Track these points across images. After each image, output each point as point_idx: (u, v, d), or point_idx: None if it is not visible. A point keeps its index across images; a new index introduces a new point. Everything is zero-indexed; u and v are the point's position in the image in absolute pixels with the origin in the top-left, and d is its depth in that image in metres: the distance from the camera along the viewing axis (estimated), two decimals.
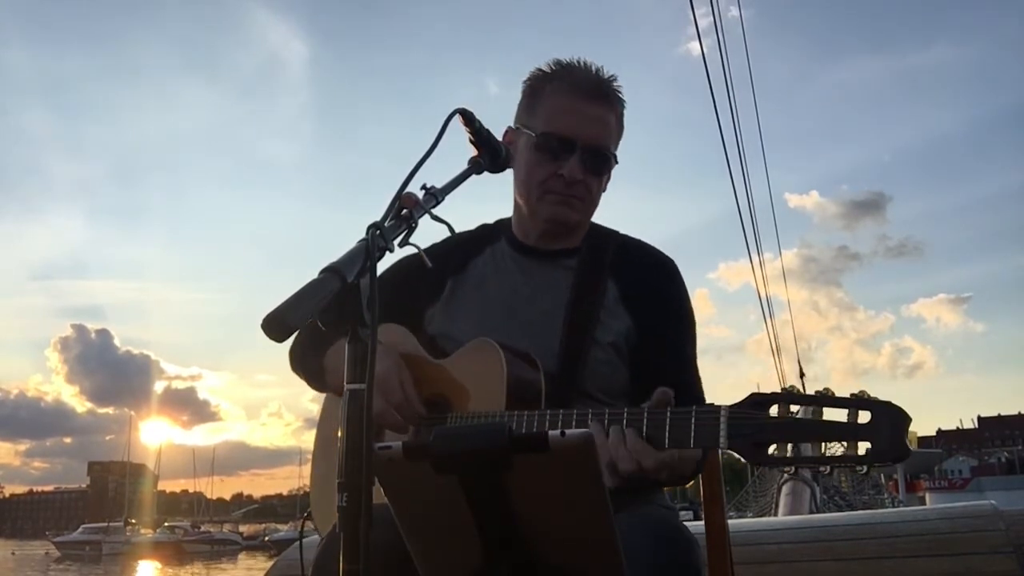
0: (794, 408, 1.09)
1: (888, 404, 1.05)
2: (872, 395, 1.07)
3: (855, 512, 4.72)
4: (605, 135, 1.58)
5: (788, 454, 1.09)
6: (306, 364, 1.67)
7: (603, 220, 1.74)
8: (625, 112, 1.65)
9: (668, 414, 1.22)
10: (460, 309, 1.64)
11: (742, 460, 1.14)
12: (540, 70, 1.63)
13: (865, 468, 1.04)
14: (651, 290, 1.60)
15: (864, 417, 1.04)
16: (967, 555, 2.15)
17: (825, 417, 1.07)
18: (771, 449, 1.09)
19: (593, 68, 1.61)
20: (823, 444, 1.07)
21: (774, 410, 1.10)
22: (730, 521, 1.90)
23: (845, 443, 1.05)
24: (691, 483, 1.59)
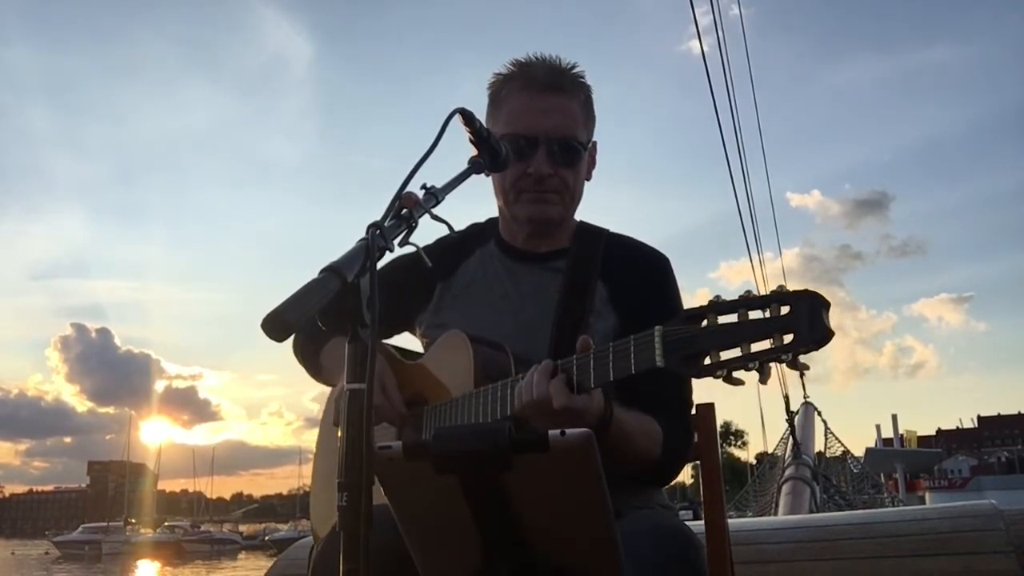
0: (723, 317, 1.09)
1: (805, 292, 1.04)
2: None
3: (855, 512, 4.71)
4: (568, 125, 1.57)
5: (720, 360, 1.08)
6: (306, 356, 1.70)
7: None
8: (593, 95, 1.64)
9: (591, 354, 1.24)
10: (449, 315, 1.64)
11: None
12: (498, 74, 1.63)
13: (790, 356, 1.03)
14: (639, 289, 1.58)
15: (785, 310, 1.04)
16: (967, 555, 2.15)
17: (752, 317, 1.06)
18: (706, 360, 1.09)
19: (548, 60, 1.61)
20: (752, 343, 1.06)
21: (705, 322, 1.10)
22: (730, 521, 1.89)
23: (771, 339, 1.04)
24: (691, 482, 1.59)
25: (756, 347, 1.06)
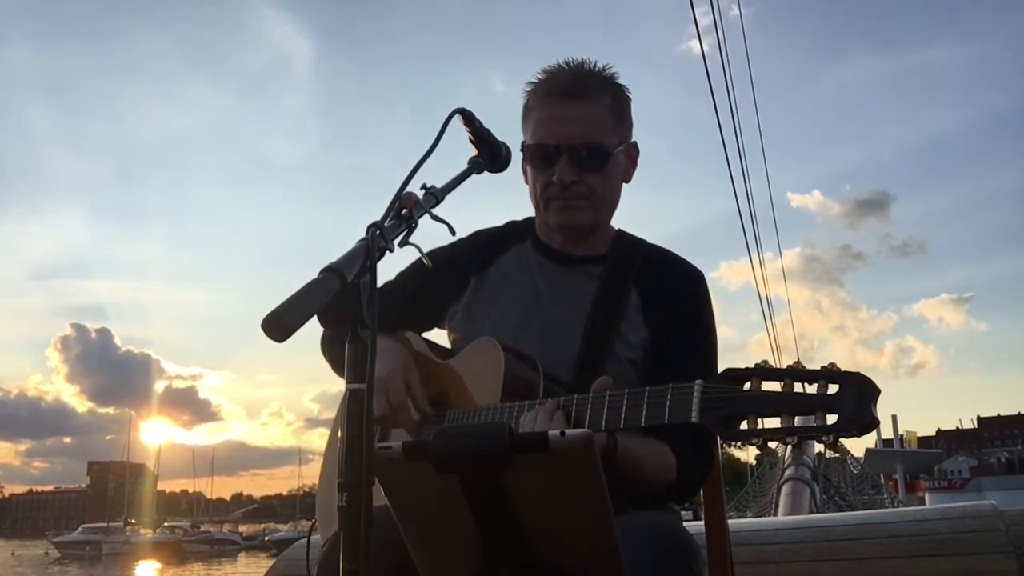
0: (767, 383, 1.07)
1: (856, 375, 1.03)
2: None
3: (855, 512, 4.71)
4: (590, 130, 1.55)
5: (759, 427, 1.07)
6: (332, 353, 1.72)
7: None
8: (628, 93, 1.63)
9: (602, 396, 1.24)
10: (480, 310, 1.65)
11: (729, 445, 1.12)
12: (529, 83, 1.63)
13: (831, 438, 1.02)
14: (671, 303, 1.58)
15: (833, 388, 1.03)
16: (967, 555, 2.15)
17: (796, 389, 1.05)
18: (743, 424, 1.08)
19: (575, 65, 1.60)
20: (793, 417, 1.05)
21: (748, 385, 1.08)
22: (730, 521, 1.90)
23: (814, 416, 1.03)
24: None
25: (796, 421, 1.04)
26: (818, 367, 1.07)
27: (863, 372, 1.03)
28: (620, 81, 1.62)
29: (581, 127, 1.55)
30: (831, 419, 1.02)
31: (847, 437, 1.02)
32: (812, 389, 1.04)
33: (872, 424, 1.01)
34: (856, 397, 1.01)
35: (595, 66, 1.61)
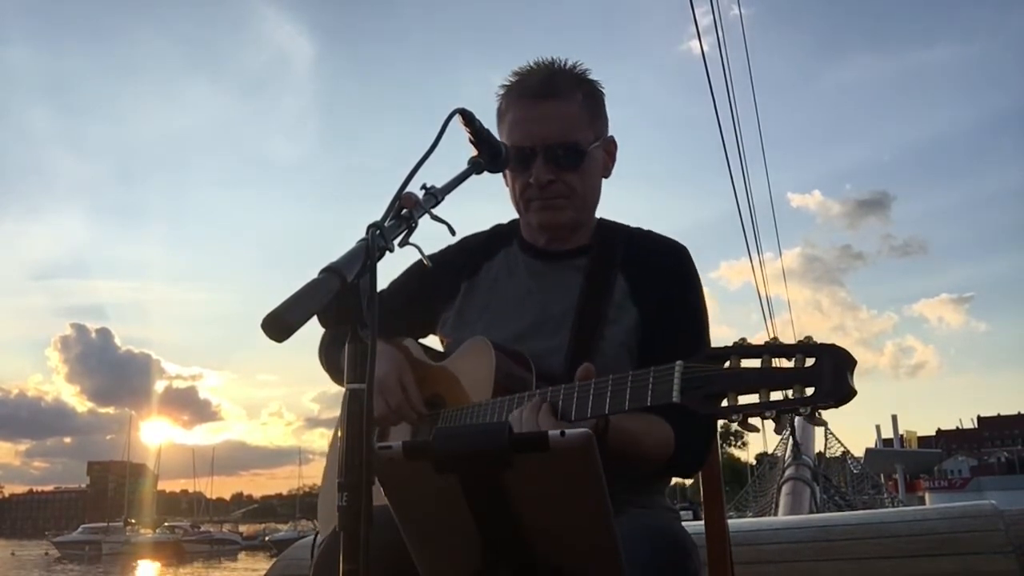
0: (746, 360, 1.09)
1: (832, 347, 1.04)
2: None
3: (855, 512, 4.72)
4: (564, 129, 1.56)
5: (739, 404, 1.08)
6: (329, 360, 1.73)
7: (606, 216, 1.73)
8: (601, 88, 1.64)
9: (590, 384, 1.25)
10: (472, 314, 1.66)
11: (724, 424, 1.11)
12: (501, 86, 1.64)
13: (808, 410, 1.03)
14: (659, 285, 1.58)
15: (810, 362, 1.04)
16: (967, 555, 2.15)
17: (775, 364, 1.07)
18: (723, 402, 1.09)
19: (545, 65, 1.61)
20: (772, 391, 1.06)
21: (728, 363, 1.10)
22: (730, 521, 1.90)
23: (792, 390, 1.04)
24: (691, 482, 1.59)
25: (775, 396, 1.06)
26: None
27: (838, 345, 1.04)
28: (592, 77, 1.63)
29: (555, 126, 1.56)
30: (809, 391, 1.03)
31: (825, 408, 1.03)
32: (791, 365, 1.05)
33: (849, 394, 1.02)
34: (832, 369, 1.02)
35: (565, 64, 1.61)
